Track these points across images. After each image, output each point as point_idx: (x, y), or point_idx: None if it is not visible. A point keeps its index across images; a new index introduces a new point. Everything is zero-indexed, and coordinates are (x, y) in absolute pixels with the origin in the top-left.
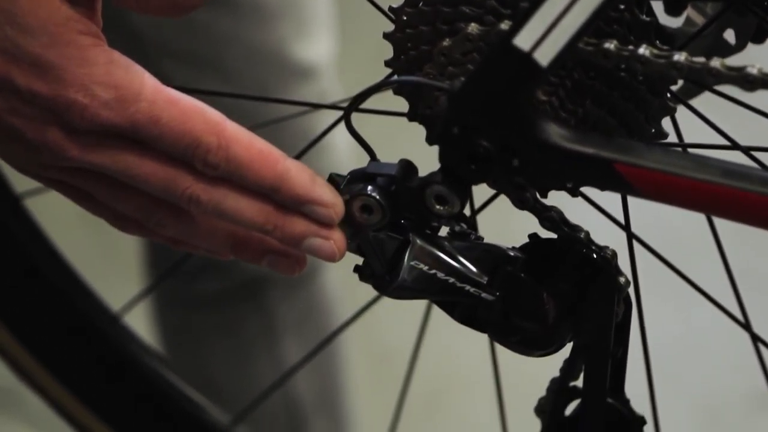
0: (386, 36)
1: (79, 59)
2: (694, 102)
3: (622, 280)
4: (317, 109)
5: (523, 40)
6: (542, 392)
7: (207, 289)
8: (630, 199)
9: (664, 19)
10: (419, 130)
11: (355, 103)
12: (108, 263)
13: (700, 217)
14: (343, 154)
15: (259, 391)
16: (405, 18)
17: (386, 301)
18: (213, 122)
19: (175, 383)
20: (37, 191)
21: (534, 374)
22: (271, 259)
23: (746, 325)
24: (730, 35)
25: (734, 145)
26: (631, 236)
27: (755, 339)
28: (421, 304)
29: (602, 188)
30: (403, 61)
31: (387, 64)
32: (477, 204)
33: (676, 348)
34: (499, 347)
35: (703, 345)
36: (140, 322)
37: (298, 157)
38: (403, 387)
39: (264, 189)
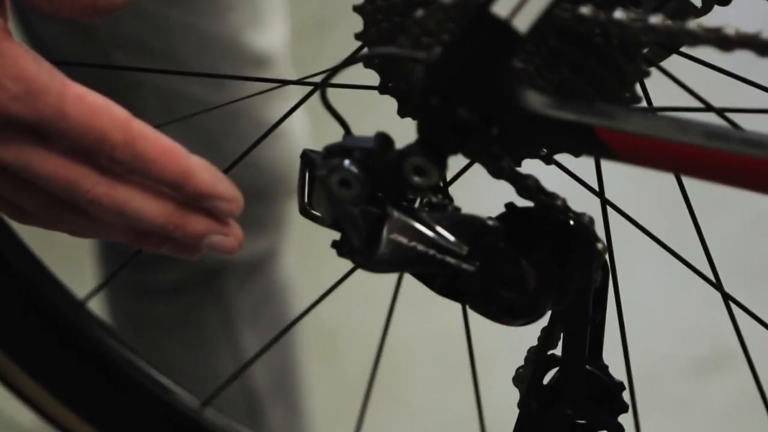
0: (356, 9)
1: None
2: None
3: (599, 246)
4: (288, 84)
5: (501, 8)
6: (495, 364)
7: (163, 278)
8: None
9: None
10: (390, 104)
11: (329, 77)
12: (59, 251)
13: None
14: (301, 140)
15: (219, 379)
16: None
17: (333, 278)
18: (120, 118)
19: (143, 367)
20: None
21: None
22: (172, 247)
23: (718, 285)
24: None
25: (708, 107)
26: (604, 202)
27: (726, 298)
28: (359, 285)
29: (582, 154)
30: (374, 34)
31: (357, 37)
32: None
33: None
34: (475, 319)
35: (646, 309)
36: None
37: (257, 144)
38: (370, 381)
39: (168, 184)
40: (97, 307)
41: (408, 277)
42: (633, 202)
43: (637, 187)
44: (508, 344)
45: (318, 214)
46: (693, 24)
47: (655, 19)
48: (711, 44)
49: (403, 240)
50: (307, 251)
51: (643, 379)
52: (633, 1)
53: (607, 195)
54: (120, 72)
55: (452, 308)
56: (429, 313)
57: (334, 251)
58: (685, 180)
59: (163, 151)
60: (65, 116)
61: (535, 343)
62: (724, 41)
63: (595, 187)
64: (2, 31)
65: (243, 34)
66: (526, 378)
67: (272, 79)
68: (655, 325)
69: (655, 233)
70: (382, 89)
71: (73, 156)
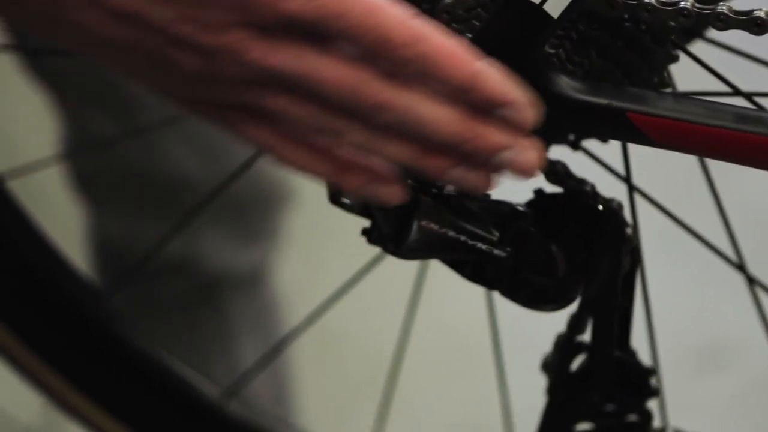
0: None
1: None
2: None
3: (628, 231)
4: None
5: None
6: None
7: (163, 293)
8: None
9: None
10: None
11: None
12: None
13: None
14: None
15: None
16: None
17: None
18: (402, 17)
19: (165, 359)
20: (20, 172)
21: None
22: (460, 172)
23: (741, 267)
24: None
25: (736, 92)
26: (632, 188)
27: (751, 281)
28: (364, 287)
29: (615, 139)
30: None
31: None
32: None
33: None
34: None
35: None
36: None
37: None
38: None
39: (457, 88)
40: None
41: (408, 277)
42: (654, 188)
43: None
44: (525, 341)
45: (347, 201)
46: (724, 7)
47: (686, 3)
48: (742, 27)
49: (434, 227)
50: (309, 261)
51: None
52: None
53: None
54: None
55: (457, 308)
56: (433, 314)
57: (336, 259)
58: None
59: (449, 53)
60: (345, 15)
61: (548, 341)
62: (755, 24)
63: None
64: None
65: None
66: (554, 364)
67: None
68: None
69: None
70: None
71: (358, 61)
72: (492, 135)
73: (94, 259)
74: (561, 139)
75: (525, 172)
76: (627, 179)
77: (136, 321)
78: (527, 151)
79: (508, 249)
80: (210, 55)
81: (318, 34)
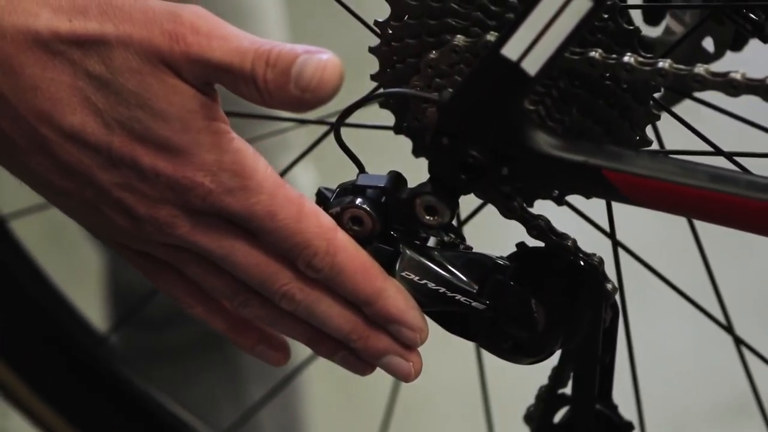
0: (372, 50)
1: (209, 145)
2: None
3: (609, 286)
4: (305, 125)
5: (511, 50)
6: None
7: (170, 339)
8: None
9: (644, 29)
10: (405, 144)
11: (344, 117)
12: (81, 284)
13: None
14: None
15: None
16: (390, 32)
17: None
18: (326, 227)
19: (162, 402)
20: (20, 214)
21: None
22: (344, 357)
23: (729, 328)
24: (708, 43)
25: (718, 151)
26: (616, 244)
27: (738, 342)
28: None
29: (591, 195)
30: (389, 75)
31: (373, 78)
32: (464, 214)
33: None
34: (488, 358)
35: (669, 356)
36: None
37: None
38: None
39: (359, 300)
40: None
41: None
42: (651, 244)
43: (656, 229)
44: (527, 386)
45: None
46: (700, 68)
47: (663, 64)
48: (718, 89)
49: (415, 277)
50: None
51: (667, 428)
52: (645, 47)
53: (623, 236)
54: None
55: (470, 350)
56: (447, 354)
57: None
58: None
59: (362, 268)
60: (274, 216)
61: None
62: (731, 86)
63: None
64: (225, 125)
65: None
66: (536, 416)
67: (288, 118)
68: (679, 372)
69: (672, 276)
70: (397, 129)
71: (274, 253)
72: (378, 342)
73: (111, 304)
74: (544, 194)
75: (402, 378)
76: (611, 235)
77: (135, 361)
78: (405, 363)
79: (487, 302)
80: (141, 221)
81: (247, 227)
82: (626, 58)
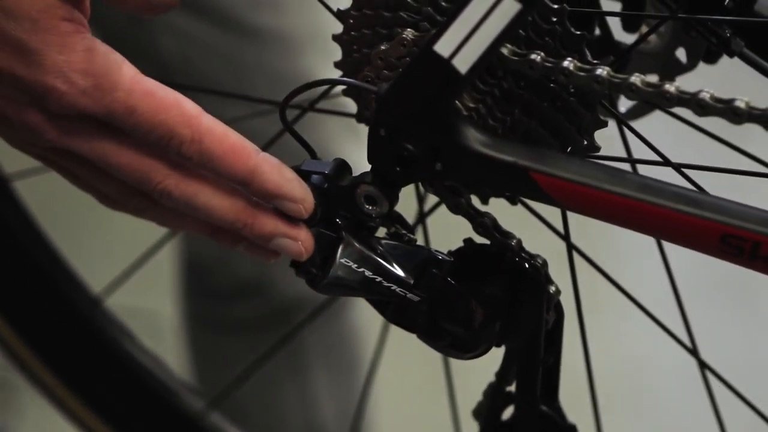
0: (335, 38)
1: (58, 45)
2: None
3: (552, 288)
4: (255, 102)
5: (444, 46)
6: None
7: (238, 313)
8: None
9: (623, 37)
10: None
11: (288, 99)
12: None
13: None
14: None
15: (282, 418)
16: (351, 21)
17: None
18: (188, 115)
19: (152, 368)
20: (27, 173)
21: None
22: (247, 246)
23: (693, 351)
24: (682, 54)
25: (666, 162)
26: (570, 247)
27: (702, 366)
28: None
29: (520, 196)
30: (349, 63)
31: (336, 65)
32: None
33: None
34: None
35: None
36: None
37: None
38: None
39: (236, 181)
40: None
41: None
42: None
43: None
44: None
45: None
46: (636, 78)
47: (601, 71)
48: (651, 98)
49: (353, 265)
50: None
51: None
52: (619, 52)
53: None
54: None
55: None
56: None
57: None
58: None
59: (230, 147)
60: (133, 111)
61: None
62: (664, 98)
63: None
64: (77, 24)
65: (317, 74)
66: (484, 413)
67: (240, 96)
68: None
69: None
70: (359, 118)
71: (146, 148)
72: (265, 225)
73: (183, 277)
74: (485, 191)
75: (294, 257)
76: (566, 238)
77: (126, 326)
78: (295, 241)
79: (422, 294)
80: (15, 127)
81: (112, 125)
82: (565, 63)
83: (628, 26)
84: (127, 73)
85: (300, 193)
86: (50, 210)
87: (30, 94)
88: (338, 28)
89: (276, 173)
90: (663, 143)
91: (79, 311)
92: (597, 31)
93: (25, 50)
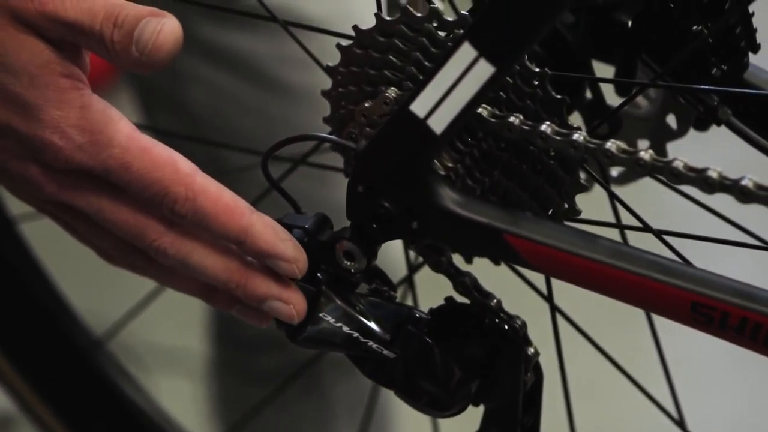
0: (323, 93)
1: (56, 101)
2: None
3: (530, 350)
4: (242, 152)
5: (420, 106)
6: None
7: (264, 363)
8: None
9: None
10: None
11: (270, 152)
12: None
13: None
14: None
15: None
16: (339, 77)
17: None
18: (183, 173)
19: (147, 410)
20: (32, 216)
21: None
22: (240, 309)
23: (680, 423)
24: (672, 120)
25: (646, 228)
26: (554, 308)
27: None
28: None
29: (493, 258)
30: (336, 119)
31: (324, 120)
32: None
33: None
34: None
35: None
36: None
37: None
38: None
39: (230, 240)
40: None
41: None
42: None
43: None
44: None
45: None
46: (611, 145)
47: (577, 136)
48: (624, 165)
49: (331, 319)
50: None
51: None
52: (611, 117)
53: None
54: (223, 161)
55: None
56: None
57: None
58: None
59: (223, 207)
60: (128, 168)
61: None
62: (638, 164)
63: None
64: (75, 81)
65: None
66: None
67: (223, 144)
68: None
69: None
70: (345, 172)
71: (142, 206)
72: (258, 287)
73: (213, 324)
74: (462, 251)
75: (286, 320)
76: (549, 299)
77: (125, 369)
78: (287, 305)
79: (398, 351)
80: (16, 179)
81: (109, 181)
82: (542, 126)
83: (622, 91)
84: (123, 130)
85: (293, 253)
86: (57, 251)
87: (29, 149)
88: None
89: (269, 232)
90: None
91: (81, 351)
92: (589, 95)
93: (23, 105)
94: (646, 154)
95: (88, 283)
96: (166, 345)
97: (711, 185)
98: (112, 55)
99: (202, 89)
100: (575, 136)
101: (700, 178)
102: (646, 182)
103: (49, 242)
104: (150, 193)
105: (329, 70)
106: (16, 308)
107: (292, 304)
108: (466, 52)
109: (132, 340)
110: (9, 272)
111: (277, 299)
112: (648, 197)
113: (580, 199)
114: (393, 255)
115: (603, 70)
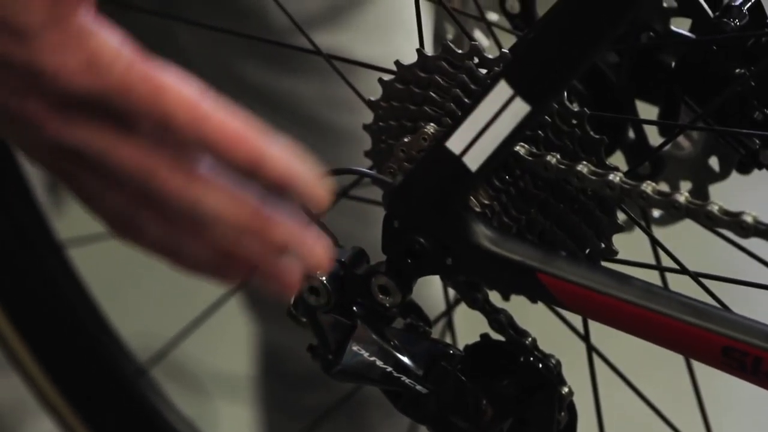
0: (365, 127)
1: (53, 23)
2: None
3: (564, 390)
4: None
5: (455, 143)
6: None
7: (308, 399)
8: None
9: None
10: None
11: None
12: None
13: None
14: None
15: None
16: (380, 111)
17: None
18: (188, 98)
19: None
20: (82, 240)
21: None
22: (261, 275)
23: None
24: (716, 163)
25: (683, 270)
26: (590, 348)
27: None
28: None
29: (526, 296)
30: (377, 153)
31: (365, 154)
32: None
33: None
34: None
35: None
36: None
37: None
38: None
39: (242, 170)
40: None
41: None
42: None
43: None
44: None
45: (301, 318)
46: (647, 186)
47: (613, 177)
48: (661, 207)
49: (365, 353)
50: None
51: None
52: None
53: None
54: None
55: None
56: None
57: None
58: None
59: (232, 134)
60: (129, 91)
61: None
62: (674, 206)
63: None
64: (81, 2)
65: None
66: None
67: None
68: None
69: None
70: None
71: (147, 146)
72: (278, 230)
73: (263, 363)
74: (497, 288)
75: (311, 269)
76: (586, 339)
77: (166, 397)
78: (313, 247)
79: (431, 387)
80: (16, 119)
81: (110, 109)
82: (579, 166)
83: (665, 132)
84: (125, 53)
85: (315, 176)
86: (103, 277)
87: (27, 76)
88: None
89: (287, 157)
90: None
91: (124, 379)
92: (632, 135)
93: (19, 30)
94: (681, 196)
95: (140, 305)
96: (225, 371)
97: (745, 229)
98: None
99: None
100: (611, 176)
101: (734, 222)
102: (692, 223)
103: (98, 268)
104: (151, 120)
105: (371, 104)
106: (63, 334)
107: (318, 247)
108: (502, 90)
109: (189, 364)
110: (58, 298)
111: (300, 243)
112: (694, 238)
113: (621, 239)
114: (434, 291)
115: (647, 110)
